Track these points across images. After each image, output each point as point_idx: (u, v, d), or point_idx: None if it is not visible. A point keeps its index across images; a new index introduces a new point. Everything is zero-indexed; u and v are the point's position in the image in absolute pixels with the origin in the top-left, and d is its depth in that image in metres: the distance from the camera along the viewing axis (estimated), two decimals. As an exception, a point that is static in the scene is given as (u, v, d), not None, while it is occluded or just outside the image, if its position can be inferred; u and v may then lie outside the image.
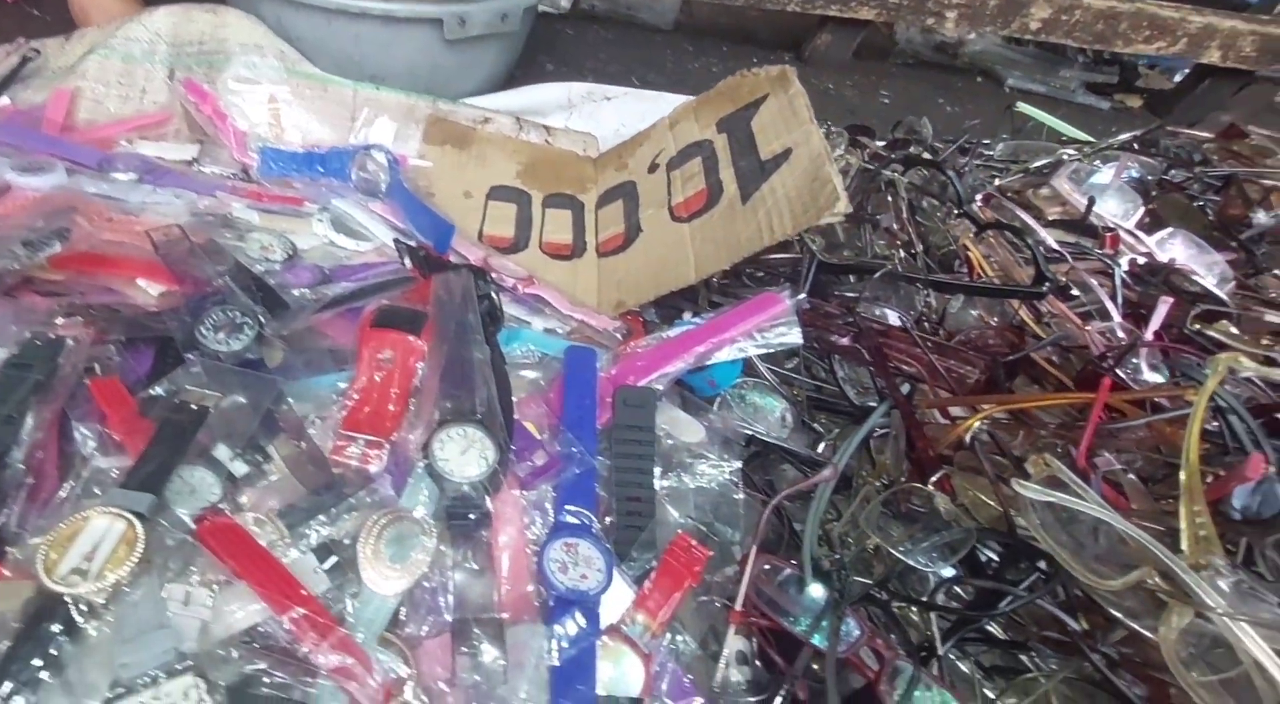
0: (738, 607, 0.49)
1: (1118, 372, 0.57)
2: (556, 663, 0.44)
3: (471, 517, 0.48)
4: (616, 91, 1.06)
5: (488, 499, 0.49)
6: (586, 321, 0.69)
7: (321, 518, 0.49)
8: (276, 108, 0.90)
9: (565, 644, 0.45)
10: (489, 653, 0.43)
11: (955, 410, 0.62)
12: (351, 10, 0.90)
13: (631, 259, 0.77)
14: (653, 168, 0.86)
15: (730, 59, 1.39)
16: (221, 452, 0.50)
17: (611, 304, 0.74)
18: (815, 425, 0.65)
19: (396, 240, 0.74)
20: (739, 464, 0.58)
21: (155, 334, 0.58)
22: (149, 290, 0.63)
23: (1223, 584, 0.43)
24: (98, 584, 0.39)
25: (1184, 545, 0.46)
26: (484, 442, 0.51)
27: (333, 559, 0.46)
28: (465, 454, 0.50)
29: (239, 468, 0.50)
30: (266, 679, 0.39)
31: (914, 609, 0.50)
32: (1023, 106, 1.02)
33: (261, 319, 0.59)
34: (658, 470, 0.57)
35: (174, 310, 0.59)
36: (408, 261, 0.71)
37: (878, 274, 0.67)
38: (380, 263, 0.74)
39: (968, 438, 0.54)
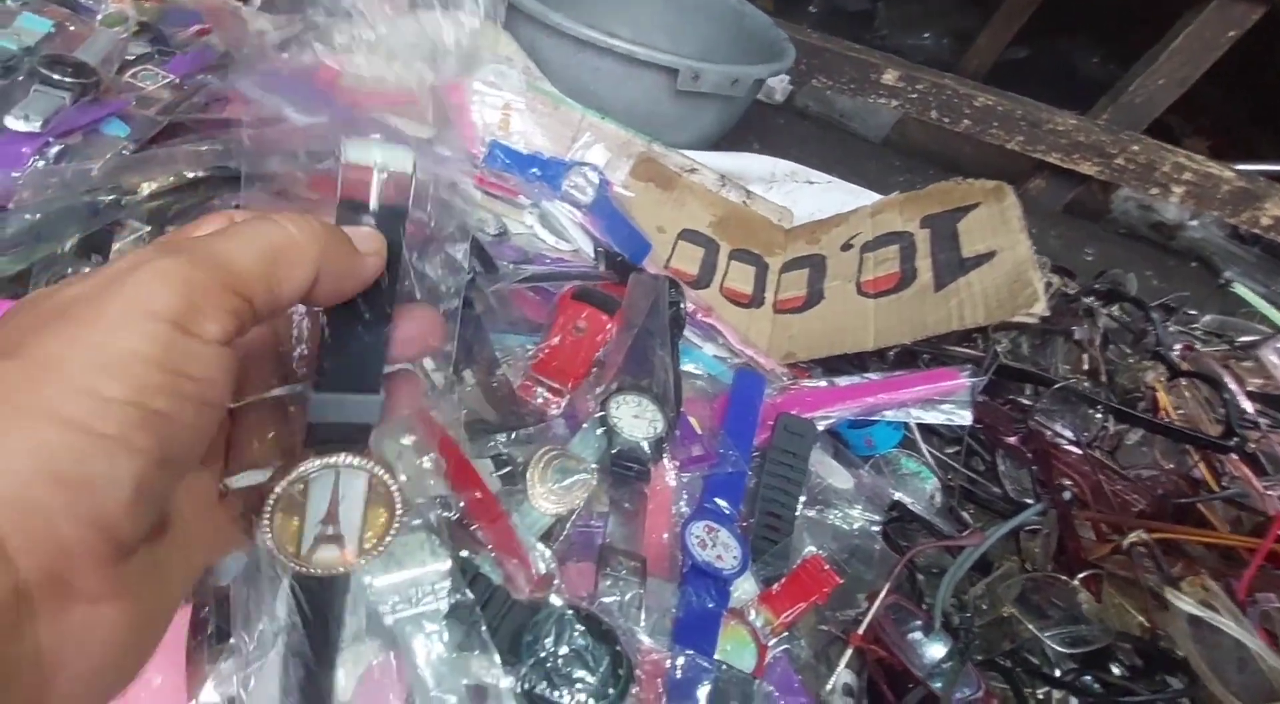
0: (859, 632, 0.56)
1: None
2: (682, 616, 0.52)
3: (633, 470, 0.58)
4: (820, 177, 1.21)
5: (649, 461, 0.59)
6: (755, 359, 0.80)
7: (501, 436, 0.60)
8: (509, 114, 1.08)
9: (694, 605, 0.53)
10: (629, 584, 0.52)
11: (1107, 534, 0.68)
12: (599, 45, 1.09)
13: (809, 319, 0.88)
14: (846, 247, 0.98)
15: (934, 181, 1.52)
16: (426, 362, 0.63)
17: (781, 353, 0.84)
18: (964, 513, 0.71)
19: (596, 245, 0.88)
20: (881, 518, 0.66)
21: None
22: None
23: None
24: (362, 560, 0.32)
25: (1335, 694, 0.51)
26: (655, 414, 0.61)
27: (506, 469, 0.57)
28: (637, 419, 0.61)
29: (438, 379, 0.63)
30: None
31: (1035, 690, 0.56)
32: (1239, 288, 1.08)
33: (476, 269, 0.73)
34: (802, 499, 0.65)
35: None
36: (603, 265, 0.85)
37: (1057, 386, 0.75)
38: (576, 262, 0.88)
39: (1125, 543, 0.60)
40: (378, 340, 0.30)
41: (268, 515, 0.30)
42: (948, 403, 0.71)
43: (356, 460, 0.31)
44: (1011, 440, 0.73)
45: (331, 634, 0.34)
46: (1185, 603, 0.54)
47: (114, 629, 0.21)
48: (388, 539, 0.32)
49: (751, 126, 1.43)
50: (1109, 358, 0.85)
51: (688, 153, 1.13)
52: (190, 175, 0.72)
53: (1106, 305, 0.88)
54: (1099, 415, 0.76)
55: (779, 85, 1.62)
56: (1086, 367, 0.82)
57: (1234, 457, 0.74)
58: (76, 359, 0.20)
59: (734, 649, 0.54)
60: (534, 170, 0.99)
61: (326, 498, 0.31)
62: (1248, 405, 0.80)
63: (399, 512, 0.32)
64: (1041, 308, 0.72)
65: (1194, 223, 1.76)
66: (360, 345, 0.30)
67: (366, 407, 0.31)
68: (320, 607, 0.33)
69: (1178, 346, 0.86)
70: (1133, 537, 0.60)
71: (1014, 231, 0.84)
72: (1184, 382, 0.80)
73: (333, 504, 0.31)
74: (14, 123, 0.68)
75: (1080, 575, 0.60)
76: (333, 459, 0.30)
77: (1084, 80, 2.25)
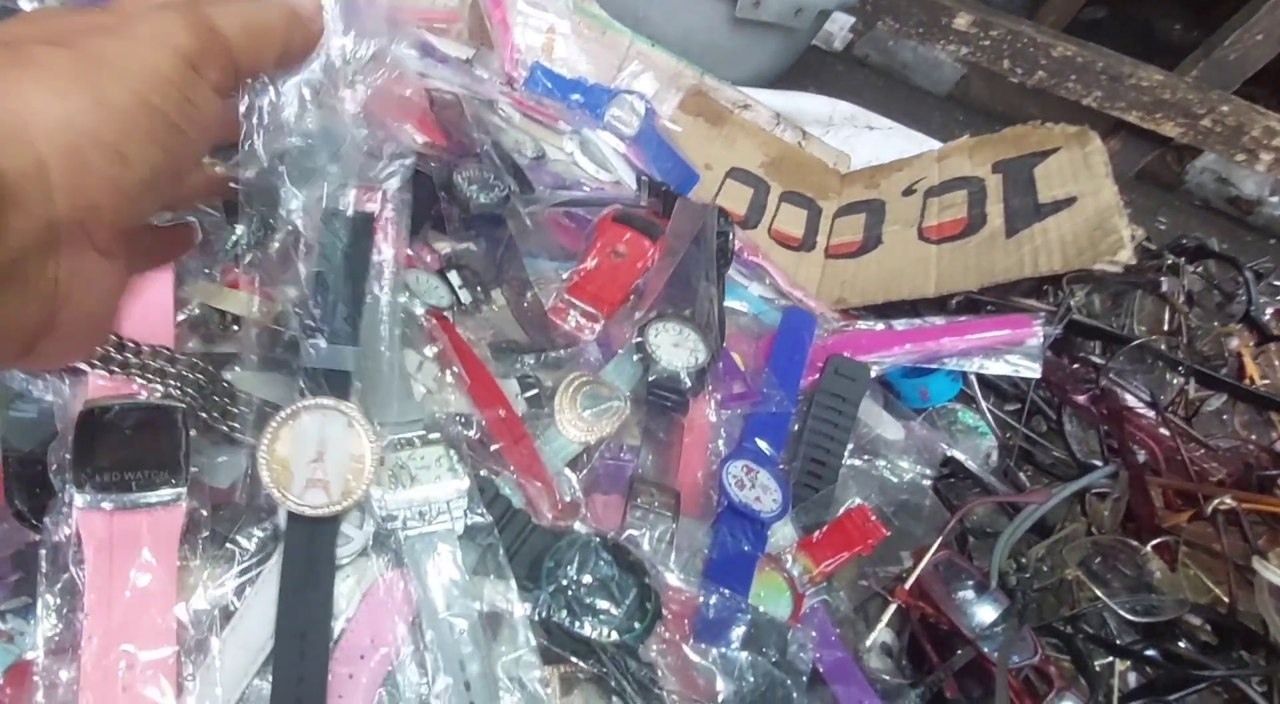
0: (906, 586, 0.52)
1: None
2: (715, 557, 0.49)
3: (670, 400, 0.55)
4: (882, 123, 1.15)
5: (688, 391, 0.55)
6: (804, 301, 0.76)
7: (529, 358, 0.57)
8: (553, 38, 1.04)
9: (729, 546, 0.50)
10: (661, 518, 0.49)
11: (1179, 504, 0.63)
12: (654, -34, 1.05)
13: (863, 264, 0.84)
14: (908, 192, 0.93)
15: (1000, 138, 1.46)
16: (453, 276, 0.60)
17: (832, 299, 0.80)
18: (1021, 475, 0.67)
19: (639, 174, 0.84)
20: (932, 473, 0.62)
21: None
22: (415, 137, 0.75)
23: None
24: (345, 503, 0.40)
25: None
26: (697, 343, 0.58)
27: (533, 391, 0.54)
28: (677, 347, 0.57)
29: (465, 295, 0.59)
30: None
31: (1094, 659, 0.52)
32: (1335, 259, 1.02)
33: (512, 186, 0.69)
34: (849, 446, 0.61)
35: (438, 157, 0.70)
36: (645, 195, 0.81)
37: (1135, 342, 0.70)
38: (614, 193, 0.84)
39: (1209, 509, 0.56)
40: (356, 307, 0.40)
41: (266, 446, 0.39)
42: (1015, 353, 0.66)
43: (339, 403, 0.40)
44: (1080, 399, 0.68)
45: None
46: (1274, 574, 0.50)
47: (112, 284, 0.26)
48: (365, 483, 0.40)
49: (809, 72, 1.38)
50: (1190, 322, 0.80)
51: (742, 88, 1.08)
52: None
53: (1192, 262, 0.82)
54: (1178, 379, 0.71)
55: (839, 31, 1.55)
56: (1166, 327, 0.77)
57: (1325, 431, 0.69)
58: (121, 60, 0.24)
59: (768, 596, 0.50)
60: (576, 96, 0.95)
61: (315, 435, 0.40)
62: (1343, 377, 0.75)
63: (373, 457, 0.40)
64: (1127, 255, 0.67)
65: (1274, 198, 1.68)
66: (340, 308, 0.40)
67: (344, 355, 0.41)
68: (312, 544, 0.41)
69: (1269, 311, 0.81)
70: (1217, 502, 0.55)
71: (1098, 176, 0.79)
72: (1274, 348, 0.75)
73: (320, 445, 0.40)
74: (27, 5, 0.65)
75: (1152, 542, 0.56)
76: (321, 399, 0.40)
77: (1163, 47, 2.15)
